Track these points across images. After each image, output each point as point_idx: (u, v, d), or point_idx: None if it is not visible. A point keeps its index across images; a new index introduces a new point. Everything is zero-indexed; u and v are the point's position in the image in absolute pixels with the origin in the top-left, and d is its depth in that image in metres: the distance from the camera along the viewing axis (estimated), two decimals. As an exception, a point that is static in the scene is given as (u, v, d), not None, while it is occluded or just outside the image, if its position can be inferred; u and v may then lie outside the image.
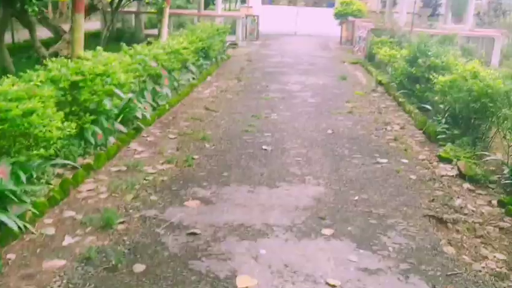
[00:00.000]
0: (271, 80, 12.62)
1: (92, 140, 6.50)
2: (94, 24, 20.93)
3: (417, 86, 10.69)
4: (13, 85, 5.35)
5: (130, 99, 7.68)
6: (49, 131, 5.20)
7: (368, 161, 6.68)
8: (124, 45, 9.47)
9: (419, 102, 10.33)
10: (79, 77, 6.29)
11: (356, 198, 5.41)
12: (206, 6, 31.00)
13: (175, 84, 10.69)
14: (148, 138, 7.42)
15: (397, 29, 16.65)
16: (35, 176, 4.97)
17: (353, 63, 17.05)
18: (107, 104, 6.59)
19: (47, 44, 14.10)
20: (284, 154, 6.78)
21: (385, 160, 6.73)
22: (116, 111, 7.09)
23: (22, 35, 16.09)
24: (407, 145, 7.54)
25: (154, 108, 8.86)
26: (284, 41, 23.19)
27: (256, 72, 13.87)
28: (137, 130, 7.57)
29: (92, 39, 18.39)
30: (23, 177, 4.64)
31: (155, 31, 19.55)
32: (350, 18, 23.94)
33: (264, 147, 7.03)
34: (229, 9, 32.88)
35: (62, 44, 13.71)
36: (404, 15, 20.36)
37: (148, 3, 17.12)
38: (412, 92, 10.87)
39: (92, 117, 6.38)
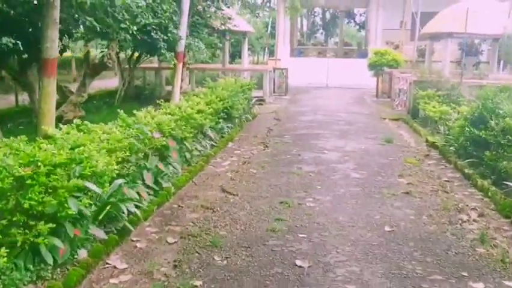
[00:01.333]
0: (304, 145, 10.49)
1: (50, 259, 4.44)
2: (115, 81, 19.49)
3: (487, 153, 8.42)
4: None
5: (119, 188, 5.66)
6: None
7: (455, 287, 4.38)
8: (121, 112, 7.55)
9: (492, 174, 8.03)
10: (27, 171, 4.28)
11: None
12: (232, 60, 29.63)
13: (187, 155, 8.67)
14: (138, 244, 5.30)
15: (444, 81, 14.49)
16: None
17: (394, 119, 14.85)
18: (72, 206, 4.53)
19: (52, 106, 12.43)
20: (328, 276, 4.53)
21: (481, 285, 4.42)
22: (91, 210, 5.03)
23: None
24: (501, 250, 5.21)
25: (156, 193, 6.79)
26: (315, 95, 21.23)
27: (286, 135, 11.78)
28: (124, 233, 5.47)
29: (108, 98, 16.86)
30: None
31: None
32: (386, 69, 21.94)
33: (298, 262, 4.80)
34: (257, 62, 31.39)
35: (67, 106, 12.01)
36: (448, 65, 18.24)
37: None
38: (480, 160, 8.59)
39: (48, 225, 4.34)
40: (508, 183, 7.22)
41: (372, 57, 23.48)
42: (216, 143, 10.26)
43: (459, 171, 8.74)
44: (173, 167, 7.79)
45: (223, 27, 15.74)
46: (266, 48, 28.02)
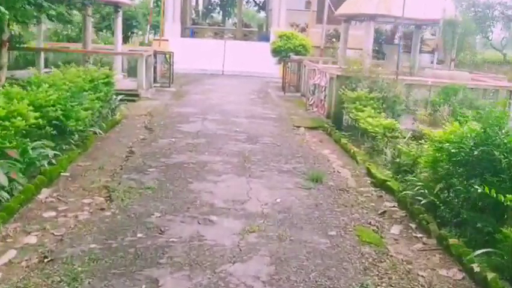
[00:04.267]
0: (176, 197, 5.77)
1: None
2: None
3: (506, 230, 4.43)
4: None
5: None
6: None
7: None
8: None
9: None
10: None
11: None
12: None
13: None
14: None
15: (376, 77, 10.48)
16: None
17: (312, 128, 10.66)
18: None
19: None
20: None
21: None
22: None
23: None
24: None
25: None
26: (209, 87, 16.52)
27: (152, 166, 6.99)
28: None
29: None
30: None
31: (25, 72, 12.34)
32: (293, 56, 17.80)
33: None
34: (144, 43, 25.80)
35: None
36: (370, 54, 14.39)
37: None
38: (491, 238, 4.57)
39: None
40: None
41: (277, 41, 19.27)
42: (9, 195, 5.29)
43: (456, 260, 4.61)
44: None
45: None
46: (149, 27, 22.65)
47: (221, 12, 43.68)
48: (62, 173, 6.50)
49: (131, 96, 12.62)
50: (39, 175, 6.01)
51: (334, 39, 21.22)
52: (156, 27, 28.20)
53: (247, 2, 41.16)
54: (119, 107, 10.61)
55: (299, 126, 10.67)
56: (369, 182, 6.97)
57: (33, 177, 6.00)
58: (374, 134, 8.48)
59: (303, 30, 22.95)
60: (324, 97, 11.86)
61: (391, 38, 17.39)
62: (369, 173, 7.33)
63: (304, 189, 6.27)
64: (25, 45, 12.20)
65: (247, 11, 45.46)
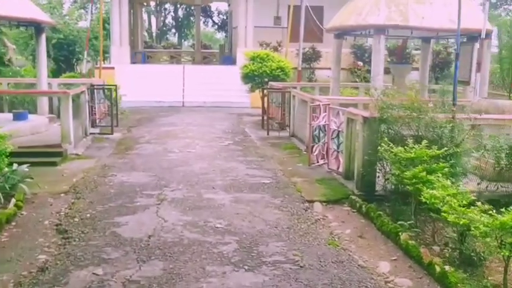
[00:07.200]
0: None
1: None
2: None
3: None
4: None
5: None
6: None
7: None
8: None
9: None
10: None
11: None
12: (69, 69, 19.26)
13: None
14: None
15: (428, 118, 6.48)
16: None
17: (332, 202, 6.59)
18: None
19: None
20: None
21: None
22: None
23: None
24: None
25: None
26: (166, 128, 12.20)
27: None
28: None
29: None
30: None
31: None
32: (273, 83, 13.79)
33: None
34: (84, 73, 21.08)
35: None
36: (381, 76, 10.55)
37: None
38: None
39: None
40: None
41: (248, 64, 15.18)
42: None
43: None
44: None
45: None
46: (86, 53, 18.06)
47: (177, 34, 39.52)
48: None
49: (51, 156, 8.26)
50: None
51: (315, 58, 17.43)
52: (103, 53, 23.69)
53: (204, 22, 37.10)
54: (19, 184, 6.27)
55: (312, 201, 6.57)
56: None
57: None
58: (472, 233, 4.49)
59: (275, 49, 19.03)
60: (338, 146, 7.86)
61: (398, 56, 13.71)
62: None
63: None
64: None
65: (205, 31, 41.39)
